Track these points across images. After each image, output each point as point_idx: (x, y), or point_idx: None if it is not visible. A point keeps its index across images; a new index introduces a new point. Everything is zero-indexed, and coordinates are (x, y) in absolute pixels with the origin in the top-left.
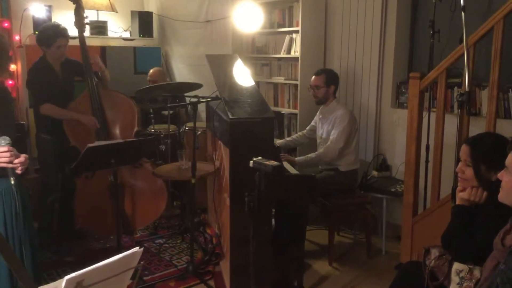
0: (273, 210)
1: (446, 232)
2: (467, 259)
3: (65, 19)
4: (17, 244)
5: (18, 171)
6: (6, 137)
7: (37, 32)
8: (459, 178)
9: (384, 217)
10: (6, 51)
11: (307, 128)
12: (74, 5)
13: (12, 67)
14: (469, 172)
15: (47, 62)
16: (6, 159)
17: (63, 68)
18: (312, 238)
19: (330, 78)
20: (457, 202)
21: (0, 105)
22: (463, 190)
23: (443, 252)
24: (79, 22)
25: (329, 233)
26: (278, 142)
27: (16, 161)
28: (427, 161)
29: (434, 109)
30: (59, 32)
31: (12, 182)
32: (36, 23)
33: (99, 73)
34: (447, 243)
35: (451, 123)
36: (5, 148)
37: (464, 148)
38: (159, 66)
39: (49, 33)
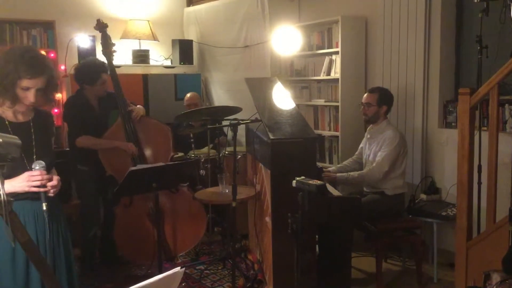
0: (317, 236)
1: (508, 255)
2: None
3: None
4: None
5: (51, 194)
6: (41, 161)
7: (74, 70)
8: None
9: (435, 242)
10: (55, 82)
11: (356, 152)
12: (100, 33)
13: (58, 95)
14: None
15: (85, 97)
16: (37, 183)
17: (101, 102)
18: (358, 265)
19: (383, 98)
20: None
21: (42, 131)
22: None
23: (505, 277)
24: (107, 49)
25: (377, 260)
26: (330, 169)
27: (48, 184)
28: (479, 182)
29: (484, 128)
30: (101, 67)
31: (44, 208)
32: (81, 53)
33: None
34: (510, 267)
35: (503, 142)
36: (37, 172)
37: None
38: (199, 92)
39: (92, 70)
